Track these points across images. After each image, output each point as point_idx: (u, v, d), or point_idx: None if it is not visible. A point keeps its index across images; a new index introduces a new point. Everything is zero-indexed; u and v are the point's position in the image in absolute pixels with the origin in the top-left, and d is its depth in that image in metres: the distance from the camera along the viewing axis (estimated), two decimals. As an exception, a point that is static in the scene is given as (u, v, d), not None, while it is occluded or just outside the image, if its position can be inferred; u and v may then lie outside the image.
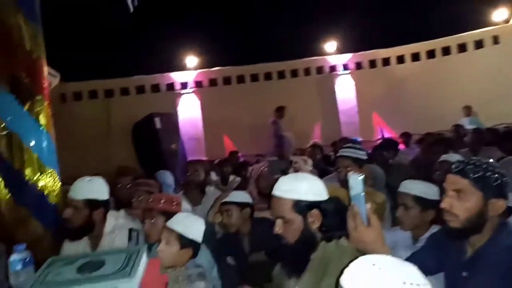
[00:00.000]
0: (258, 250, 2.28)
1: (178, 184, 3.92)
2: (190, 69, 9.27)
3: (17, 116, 2.57)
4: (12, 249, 1.55)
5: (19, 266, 1.36)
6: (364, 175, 1.16)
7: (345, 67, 9.38)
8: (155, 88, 9.26)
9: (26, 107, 2.60)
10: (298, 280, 1.34)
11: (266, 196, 2.69)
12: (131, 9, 3.73)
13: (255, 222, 2.48)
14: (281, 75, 9.37)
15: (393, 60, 9.36)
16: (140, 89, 9.21)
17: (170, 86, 9.24)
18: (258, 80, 9.32)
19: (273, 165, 3.58)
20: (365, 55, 9.44)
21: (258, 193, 3.15)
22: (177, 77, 9.22)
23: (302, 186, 1.36)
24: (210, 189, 3.43)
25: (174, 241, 1.72)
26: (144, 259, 1.11)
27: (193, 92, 9.08)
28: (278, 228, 1.36)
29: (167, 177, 3.58)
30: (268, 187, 1.69)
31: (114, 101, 8.84)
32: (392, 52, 9.33)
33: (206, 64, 9.40)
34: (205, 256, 1.85)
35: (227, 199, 2.48)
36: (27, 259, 1.37)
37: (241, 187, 3.77)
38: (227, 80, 9.31)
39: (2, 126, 2.54)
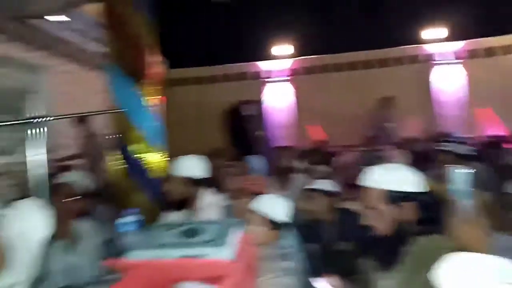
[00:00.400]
0: (343, 240, 2.26)
1: (266, 170, 4.04)
2: (285, 57, 9.35)
3: (129, 97, 2.87)
4: (122, 213, 1.77)
5: (130, 228, 1.54)
6: (470, 171, 1.08)
7: (450, 56, 8.59)
8: (244, 76, 9.54)
9: (137, 89, 2.88)
10: (387, 274, 1.30)
11: (353, 187, 2.65)
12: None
13: (340, 212, 2.45)
14: (382, 63, 8.92)
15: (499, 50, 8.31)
16: (237, 76, 9.57)
17: (261, 74, 9.43)
18: (356, 69, 9.02)
19: (366, 156, 3.48)
20: (474, 43, 8.53)
21: (345, 183, 3.11)
22: (269, 65, 9.37)
23: (394, 176, 1.32)
24: (297, 176, 3.47)
25: (262, 222, 1.79)
26: (237, 232, 1.18)
27: (286, 80, 9.16)
28: (369, 219, 1.33)
29: (257, 162, 3.71)
30: (356, 178, 1.67)
31: (214, 87, 9.36)
32: (501, 41, 8.29)
33: (301, 52, 9.37)
34: (290, 239, 1.90)
35: (313, 186, 2.49)
36: (137, 222, 1.55)
37: (328, 176, 3.75)
38: (323, 69, 9.18)
39: (116, 105, 2.86)
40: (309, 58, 9.17)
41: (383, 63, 8.87)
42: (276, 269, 1.42)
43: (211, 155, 3.58)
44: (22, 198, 1.45)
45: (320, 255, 2.27)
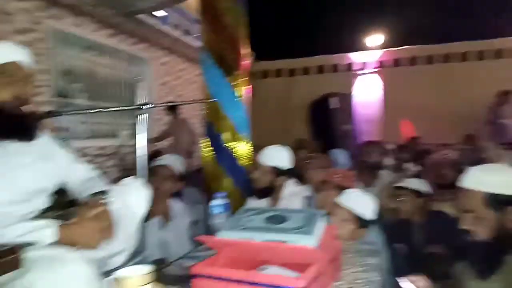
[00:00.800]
0: (433, 243, 2.13)
1: (351, 164, 3.94)
2: (373, 48, 8.96)
3: (221, 87, 3.01)
4: (210, 197, 1.89)
5: (219, 210, 1.63)
6: None
7: None
8: (334, 68, 9.32)
9: (228, 79, 3.01)
10: (483, 282, 1.20)
11: (445, 187, 2.47)
12: None
13: (432, 214, 2.31)
14: (479, 56, 8.09)
15: None
16: (320, 69, 9.42)
17: (350, 66, 9.14)
18: (450, 61, 8.30)
19: (465, 155, 3.20)
20: None
21: (436, 183, 2.91)
22: (357, 57, 9.05)
23: (496, 178, 1.20)
24: (384, 173, 3.33)
25: (349, 217, 1.76)
26: (322, 223, 1.19)
27: (375, 72, 8.78)
28: (467, 223, 1.24)
29: (341, 156, 3.64)
30: (452, 178, 1.55)
31: (296, 80, 9.34)
32: None
33: (390, 43, 8.90)
34: (376, 236, 1.84)
35: (403, 184, 2.37)
36: (225, 205, 1.63)
37: (418, 175, 3.54)
38: (413, 61, 8.61)
39: (209, 95, 3.02)
40: (399, 49, 8.66)
41: (480, 55, 8.01)
42: (361, 264, 1.40)
43: (295, 146, 3.61)
44: (125, 177, 1.61)
45: (407, 256, 2.17)
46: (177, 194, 2.63)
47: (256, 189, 2.28)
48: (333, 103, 6.97)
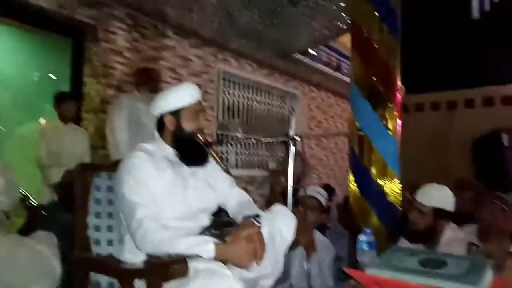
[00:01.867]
0: None
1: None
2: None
3: (370, 120, 2.94)
4: (355, 232, 1.82)
5: (365, 246, 1.57)
6: None
7: None
8: (505, 100, 8.09)
9: (379, 112, 2.92)
10: None
11: None
12: (476, 16, 3.40)
13: None
14: None
15: None
16: (487, 101, 8.31)
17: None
18: None
19: None
20: None
21: None
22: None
23: None
24: None
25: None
26: (489, 273, 1.02)
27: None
28: None
29: (515, 200, 3.08)
30: None
31: (456, 113, 8.43)
32: None
33: None
34: None
35: None
36: (372, 242, 1.56)
37: None
38: None
39: (357, 127, 2.98)
40: None
41: None
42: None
43: (456, 187, 3.22)
44: (270, 204, 1.69)
45: None
46: (321, 227, 2.63)
47: (411, 231, 2.09)
48: (505, 139, 6.03)
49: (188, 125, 1.57)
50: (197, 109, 1.59)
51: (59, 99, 3.33)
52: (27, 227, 2.33)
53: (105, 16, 3.84)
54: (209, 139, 1.69)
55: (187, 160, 1.58)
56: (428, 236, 2.01)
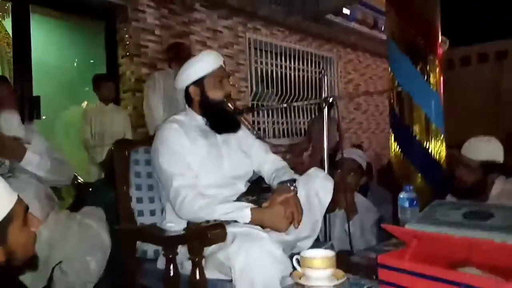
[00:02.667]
0: None
1: None
2: None
3: (410, 76, 2.79)
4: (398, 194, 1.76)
5: (406, 204, 1.51)
6: None
7: None
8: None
9: (418, 67, 2.76)
10: None
11: None
12: None
13: None
14: None
15: None
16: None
17: None
18: None
19: None
20: None
21: None
22: None
23: None
24: None
25: None
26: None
27: None
28: None
29: None
30: None
31: (507, 63, 7.84)
32: None
33: None
34: None
35: None
36: (414, 199, 1.50)
37: None
38: None
39: (396, 84, 2.84)
40: None
41: None
42: None
43: (507, 141, 3.03)
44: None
45: None
46: (363, 189, 2.58)
47: (458, 189, 1.99)
48: None
49: (212, 93, 1.56)
50: (220, 75, 1.57)
51: (97, 82, 3.44)
52: (76, 204, 2.47)
53: (133, -5, 3.86)
54: (240, 107, 1.67)
55: (217, 127, 1.58)
56: (477, 191, 1.90)
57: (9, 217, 0.82)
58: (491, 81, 7.76)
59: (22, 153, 1.73)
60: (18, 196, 0.86)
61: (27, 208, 0.88)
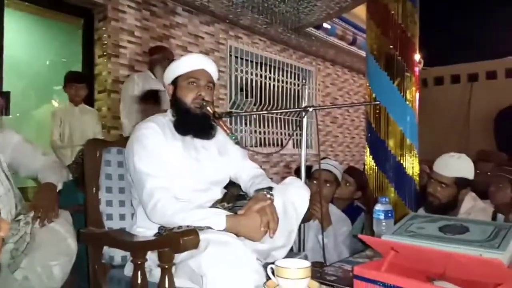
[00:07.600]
0: None
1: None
2: None
3: (387, 91, 2.83)
4: (372, 206, 1.76)
5: (381, 216, 1.51)
6: None
7: None
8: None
9: (396, 82, 2.81)
10: None
11: None
12: None
13: None
14: None
15: None
16: (510, 73, 8.00)
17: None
18: None
19: None
20: None
21: None
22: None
23: None
24: None
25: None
26: (516, 239, 0.96)
27: None
28: None
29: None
30: None
31: (477, 86, 8.15)
32: None
33: None
34: None
35: None
36: (389, 212, 1.50)
37: None
38: None
39: (373, 97, 2.88)
40: None
41: None
42: None
43: (477, 158, 3.12)
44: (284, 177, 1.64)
45: None
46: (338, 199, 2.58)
47: (431, 204, 2.02)
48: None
49: (183, 94, 1.52)
50: (194, 77, 1.52)
51: (68, 81, 3.30)
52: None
53: (114, -6, 3.79)
54: (218, 111, 1.63)
55: (179, 129, 1.52)
56: (449, 207, 1.94)
57: None
58: (461, 101, 8.04)
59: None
60: None
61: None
